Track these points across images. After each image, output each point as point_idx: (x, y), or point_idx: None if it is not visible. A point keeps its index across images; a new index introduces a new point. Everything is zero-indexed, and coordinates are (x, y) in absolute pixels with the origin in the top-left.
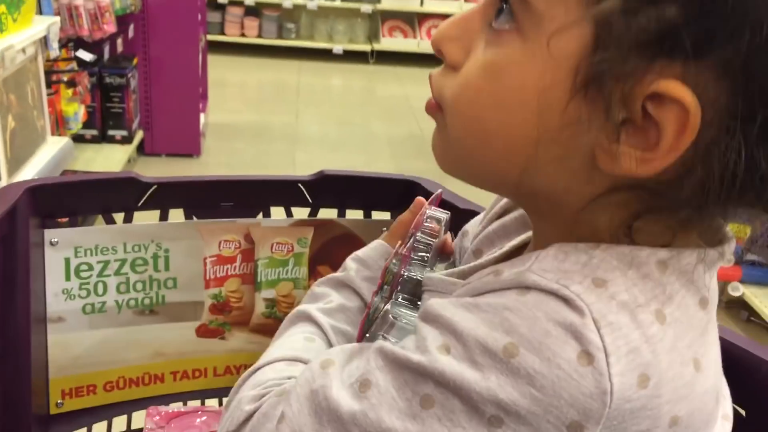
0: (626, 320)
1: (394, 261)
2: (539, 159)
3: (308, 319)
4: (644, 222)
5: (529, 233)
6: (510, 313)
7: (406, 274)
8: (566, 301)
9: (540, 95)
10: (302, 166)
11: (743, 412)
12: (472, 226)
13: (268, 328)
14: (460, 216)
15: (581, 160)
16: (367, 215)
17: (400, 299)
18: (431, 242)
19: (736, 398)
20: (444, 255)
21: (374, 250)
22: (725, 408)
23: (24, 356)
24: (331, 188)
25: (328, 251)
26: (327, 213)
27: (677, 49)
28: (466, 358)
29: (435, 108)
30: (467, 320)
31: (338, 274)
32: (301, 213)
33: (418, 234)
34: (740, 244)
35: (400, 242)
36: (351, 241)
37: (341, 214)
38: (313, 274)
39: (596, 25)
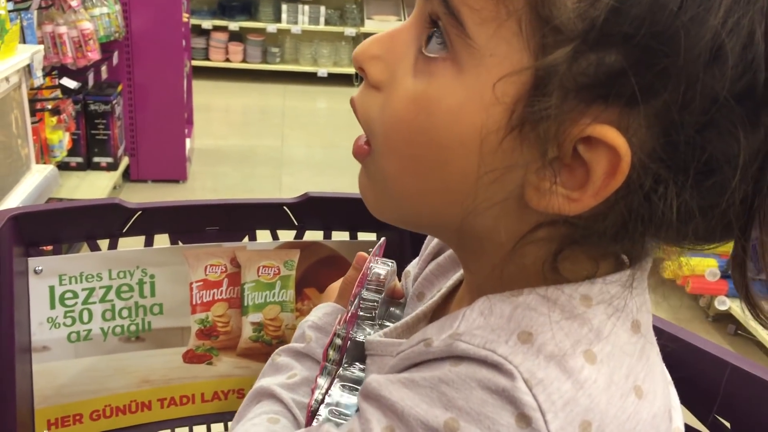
0: (556, 372)
1: (339, 326)
2: (477, 196)
3: (271, 396)
4: (568, 254)
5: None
6: (446, 387)
7: (355, 336)
8: (496, 366)
9: (475, 131)
10: (288, 189)
11: (728, 424)
12: (412, 266)
13: (256, 352)
14: (420, 236)
15: (513, 196)
16: (353, 236)
17: (351, 365)
18: (377, 298)
19: (719, 410)
20: (395, 301)
21: (330, 315)
22: (676, 422)
23: (8, 387)
24: (317, 210)
25: (315, 273)
26: (313, 235)
27: (614, 95)
28: None
29: (364, 152)
30: (406, 399)
31: (298, 345)
32: (287, 236)
33: (363, 292)
34: (726, 258)
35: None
36: (337, 262)
37: (327, 235)
38: (300, 297)
39: (537, 70)
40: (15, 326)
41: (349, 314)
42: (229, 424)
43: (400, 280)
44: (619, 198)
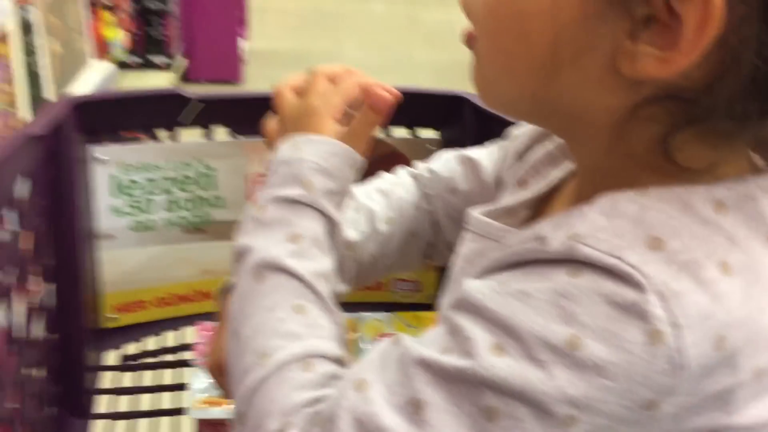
0: (690, 284)
1: None
2: (566, 69)
3: (281, 271)
4: (682, 139)
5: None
6: (566, 301)
7: None
8: (623, 278)
9: None
10: None
11: None
12: (521, 131)
13: None
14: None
15: (602, 64)
16: (413, 133)
17: None
18: None
19: None
20: None
21: (337, 156)
22: None
23: (76, 272)
24: None
25: (374, 170)
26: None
27: None
28: (526, 356)
29: (471, 39)
30: (519, 313)
31: (292, 192)
32: None
33: None
34: None
35: None
36: (397, 159)
37: (386, 132)
38: None
39: None
40: (81, 214)
41: None
42: None
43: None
44: (727, 60)
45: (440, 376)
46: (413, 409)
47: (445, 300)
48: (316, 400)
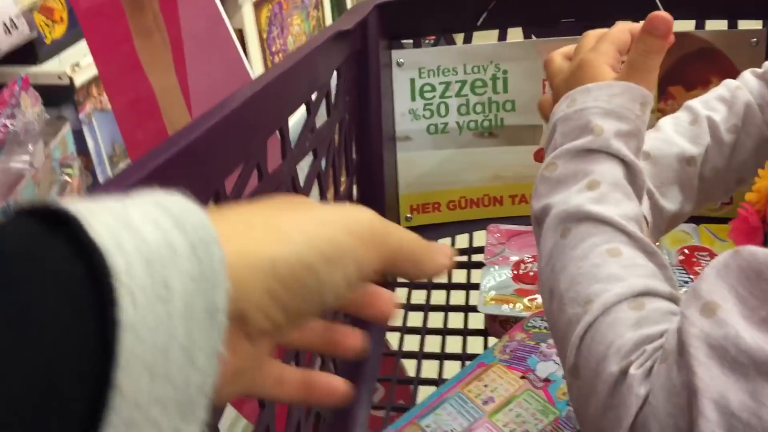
0: None
1: None
2: None
3: (587, 219)
4: None
5: None
6: None
7: None
8: None
9: None
10: None
11: None
12: None
13: None
14: None
15: None
16: (732, 25)
17: None
18: None
19: None
20: None
21: (621, 95)
22: None
23: (378, 172)
24: None
25: (682, 69)
26: (681, 25)
27: None
28: None
29: None
30: None
31: (581, 141)
32: None
33: None
34: None
35: None
36: (710, 56)
37: (699, 25)
38: (664, 96)
39: None
40: (381, 114)
41: None
42: None
43: None
44: None
45: None
46: None
47: None
48: (654, 337)
